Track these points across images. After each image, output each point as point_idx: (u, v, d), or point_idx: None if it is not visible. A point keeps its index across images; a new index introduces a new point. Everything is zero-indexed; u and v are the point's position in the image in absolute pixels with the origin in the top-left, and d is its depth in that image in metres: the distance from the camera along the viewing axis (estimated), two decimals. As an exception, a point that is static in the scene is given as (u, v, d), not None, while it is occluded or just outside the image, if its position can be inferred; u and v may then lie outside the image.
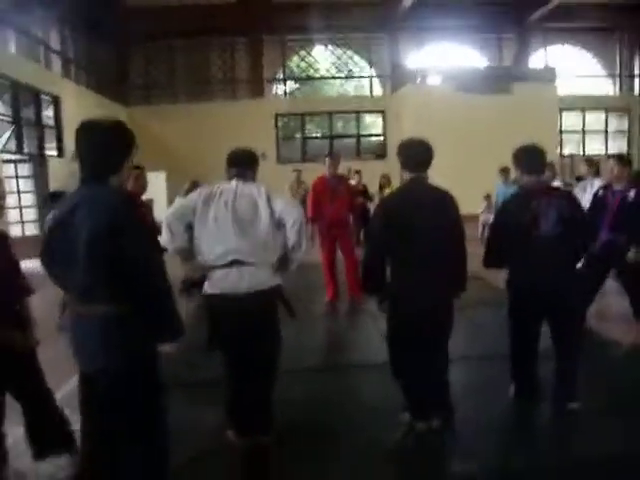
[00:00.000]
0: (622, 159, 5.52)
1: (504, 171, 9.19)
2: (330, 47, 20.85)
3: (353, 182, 11.46)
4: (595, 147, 20.86)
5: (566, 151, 20.16)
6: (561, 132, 20.15)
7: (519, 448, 3.31)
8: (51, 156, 13.83)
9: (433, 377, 3.38)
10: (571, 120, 20.92)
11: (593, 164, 7.17)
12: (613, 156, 5.66)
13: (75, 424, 2.70)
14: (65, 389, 3.87)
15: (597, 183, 6.66)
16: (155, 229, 3.25)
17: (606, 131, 21.22)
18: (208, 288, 3.17)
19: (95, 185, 2.22)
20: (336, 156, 7.17)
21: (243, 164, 3.39)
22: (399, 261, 3.30)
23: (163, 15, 17.95)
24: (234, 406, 3.27)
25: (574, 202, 3.63)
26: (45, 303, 2.65)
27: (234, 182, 3.27)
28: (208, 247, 3.10)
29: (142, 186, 4.98)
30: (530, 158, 3.60)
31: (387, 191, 10.27)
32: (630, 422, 3.42)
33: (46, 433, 2.91)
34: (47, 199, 6.35)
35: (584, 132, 21.01)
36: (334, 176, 6.92)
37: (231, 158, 3.43)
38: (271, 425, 3.30)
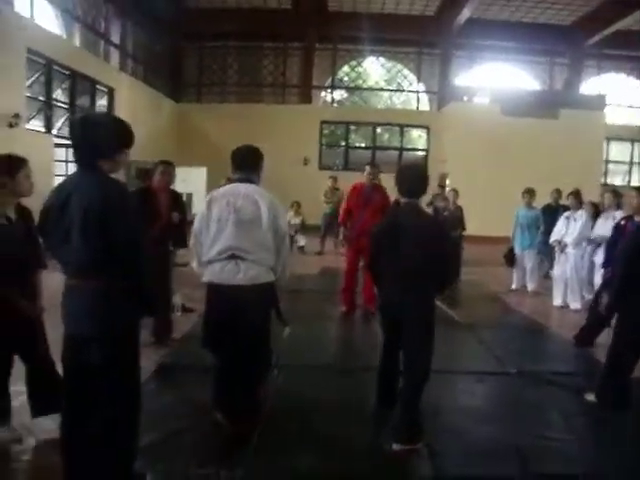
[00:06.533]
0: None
1: (528, 193, 8.93)
2: (381, 59, 21.04)
3: None
4: (643, 179, 20.47)
5: (614, 181, 19.76)
6: (607, 162, 19.85)
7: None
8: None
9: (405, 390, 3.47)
10: (619, 150, 20.58)
11: (617, 195, 7.17)
12: (635, 188, 5.66)
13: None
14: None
15: (618, 214, 6.73)
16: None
17: (655, 164, 20.77)
18: (206, 277, 3.38)
19: (88, 172, 2.46)
20: (376, 166, 7.05)
21: (247, 167, 3.49)
22: (383, 275, 3.65)
23: (219, 17, 18.53)
24: (220, 391, 3.47)
25: None
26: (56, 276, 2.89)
27: (239, 185, 3.42)
28: (210, 246, 3.33)
29: (168, 181, 5.34)
30: None
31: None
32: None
33: (45, 393, 3.24)
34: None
35: (631, 163, 20.62)
36: (371, 185, 6.80)
37: (235, 159, 3.50)
38: (256, 413, 3.50)
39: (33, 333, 3.23)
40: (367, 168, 6.89)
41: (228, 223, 3.27)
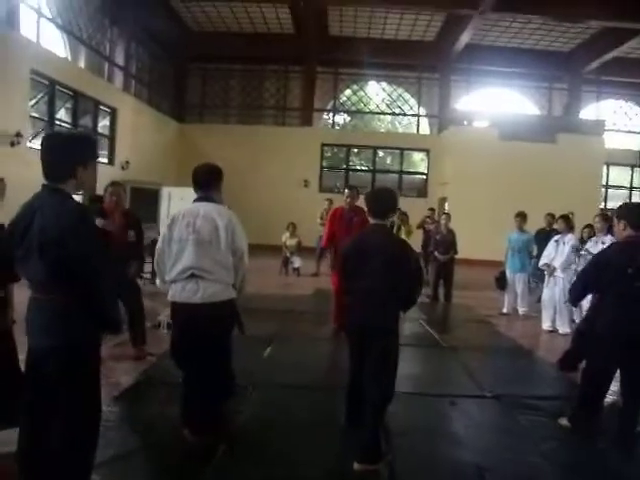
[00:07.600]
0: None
1: (519, 216, 9.03)
2: (382, 83, 21.29)
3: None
4: (643, 204, 20.38)
5: (616, 206, 19.65)
6: (607, 187, 19.91)
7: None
8: (102, 163, 14.57)
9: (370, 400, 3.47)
10: (619, 175, 20.63)
11: (608, 220, 7.15)
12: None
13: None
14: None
15: (608, 239, 6.72)
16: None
17: (656, 189, 20.76)
18: (170, 296, 3.49)
19: (52, 191, 2.53)
20: (354, 189, 7.20)
21: (206, 186, 3.54)
22: (350, 292, 3.72)
23: (223, 40, 18.88)
24: (187, 407, 3.54)
25: None
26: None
27: (198, 205, 3.49)
28: (172, 265, 3.42)
29: (116, 201, 5.36)
30: (638, 214, 3.92)
31: (403, 230, 10.17)
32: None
33: (11, 406, 3.23)
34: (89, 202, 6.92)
35: (631, 188, 20.64)
36: (351, 208, 6.93)
37: (195, 178, 3.56)
38: (220, 428, 3.57)
39: (2, 346, 3.29)
40: (345, 191, 7.06)
41: (188, 243, 3.35)
